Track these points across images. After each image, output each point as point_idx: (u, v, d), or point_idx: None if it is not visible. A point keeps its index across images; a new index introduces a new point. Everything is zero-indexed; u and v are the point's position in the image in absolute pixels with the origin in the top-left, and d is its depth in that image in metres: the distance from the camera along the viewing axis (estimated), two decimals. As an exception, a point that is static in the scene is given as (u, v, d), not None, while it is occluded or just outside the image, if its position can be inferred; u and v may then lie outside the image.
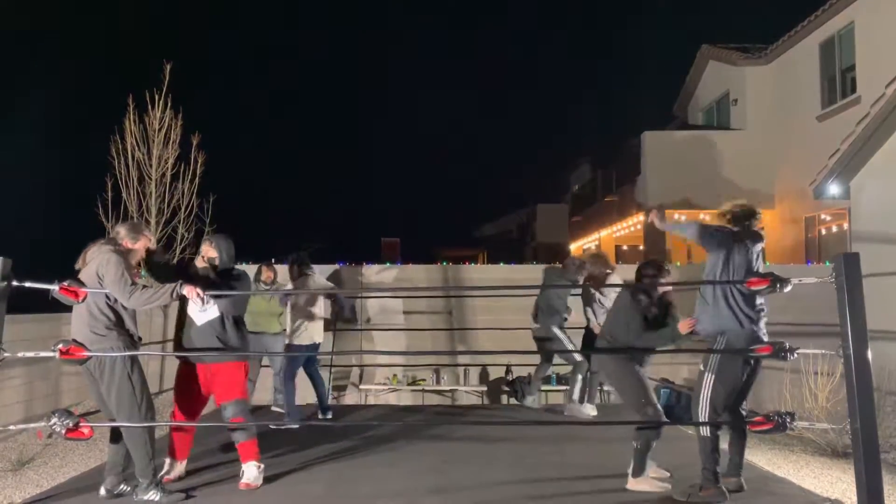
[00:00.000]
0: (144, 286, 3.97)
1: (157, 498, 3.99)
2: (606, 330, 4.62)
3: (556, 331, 6.80)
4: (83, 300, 3.92)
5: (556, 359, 7.36)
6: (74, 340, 3.90)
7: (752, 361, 4.07)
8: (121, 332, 3.97)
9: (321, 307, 6.59)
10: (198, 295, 3.98)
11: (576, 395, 6.62)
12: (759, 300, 4.07)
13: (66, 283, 3.86)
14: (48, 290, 3.89)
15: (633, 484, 4.27)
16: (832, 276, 3.63)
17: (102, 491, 4.09)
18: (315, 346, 6.50)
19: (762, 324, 4.11)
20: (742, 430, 4.27)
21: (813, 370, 6.77)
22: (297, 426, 6.03)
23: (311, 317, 6.44)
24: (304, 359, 6.46)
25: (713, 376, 4.08)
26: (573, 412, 6.57)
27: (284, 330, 7.15)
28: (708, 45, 16.17)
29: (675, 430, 5.91)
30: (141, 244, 4.23)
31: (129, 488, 4.11)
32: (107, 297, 3.94)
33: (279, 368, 7.09)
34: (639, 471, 4.26)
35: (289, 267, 6.61)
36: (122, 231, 4.23)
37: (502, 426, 6.25)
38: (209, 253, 4.51)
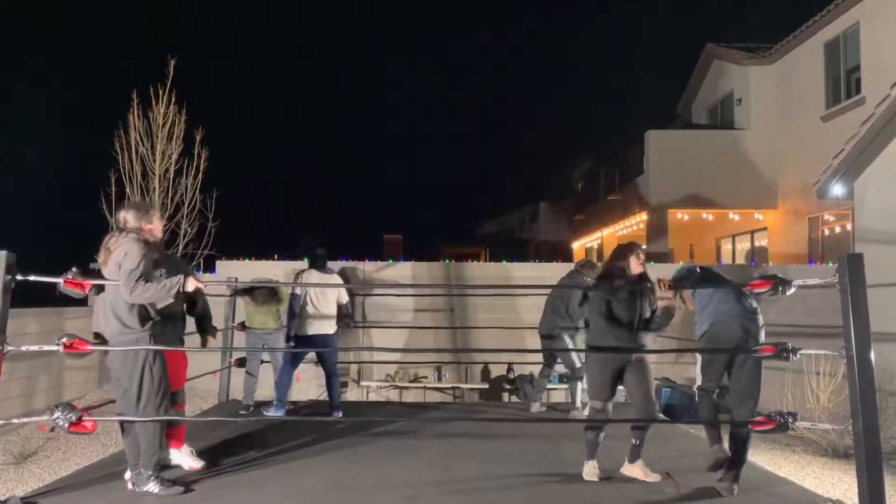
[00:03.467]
0: (148, 281, 3.89)
1: (157, 490, 3.99)
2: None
3: (565, 337, 6.58)
4: (97, 291, 3.91)
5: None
6: (96, 334, 3.92)
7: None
8: (145, 323, 3.96)
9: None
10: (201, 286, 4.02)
11: (579, 403, 6.54)
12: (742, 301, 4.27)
13: (70, 276, 3.86)
14: (51, 284, 3.89)
15: (628, 469, 4.45)
16: (835, 276, 3.63)
17: (129, 485, 4.11)
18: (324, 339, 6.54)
19: (753, 319, 4.23)
20: (740, 436, 4.21)
21: (815, 371, 6.78)
22: (280, 415, 6.23)
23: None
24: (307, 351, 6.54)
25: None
26: (577, 417, 6.46)
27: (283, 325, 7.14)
28: (713, 45, 16.14)
29: (675, 429, 5.91)
30: (156, 224, 4.15)
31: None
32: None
33: (282, 364, 7.11)
34: (634, 458, 4.44)
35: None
36: (130, 217, 4.02)
37: (503, 423, 6.25)
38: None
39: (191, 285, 3.92)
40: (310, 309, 6.51)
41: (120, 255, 3.86)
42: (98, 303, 3.96)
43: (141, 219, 4.04)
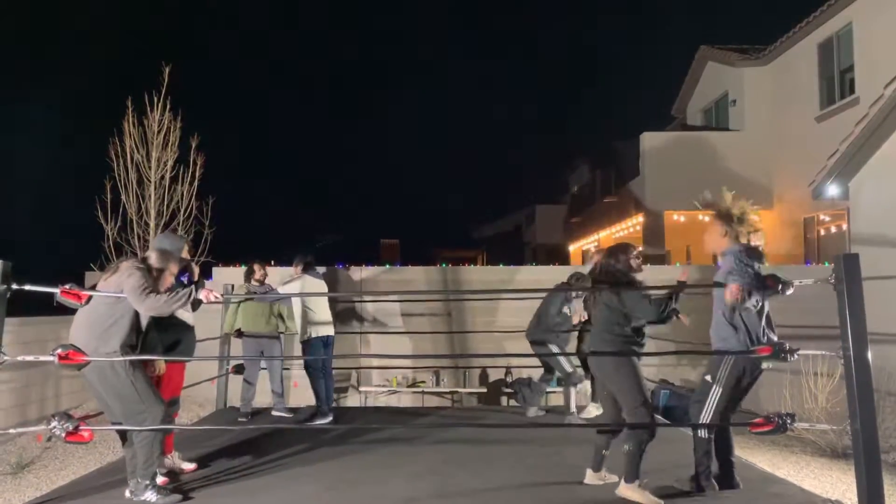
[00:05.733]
0: (160, 292, 3.96)
1: (154, 499, 3.97)
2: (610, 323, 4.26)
3: (552, 346, 6.55)
4: (86, 302, 3.92)
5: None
6: (73, 345, 3.89)
7: (754, 372, 4.07)
8: (120, 339, 3.94)
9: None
10: (216, 298, 4.10)
11: (573, 408, 6.55)
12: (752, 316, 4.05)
13: (67, 287, 3.86)
14: (46, 293, 3.89)
15: (625, 490, 4.03)
16: (832, 277, 3.64)
17: (127, 493, 4.09)
18: (324, 341, 6.74)
19: (758, 336, 4.03)
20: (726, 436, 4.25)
21: (813, 371, 6.78)
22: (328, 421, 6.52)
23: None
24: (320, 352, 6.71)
25: (720, 389, 4.07)
26: (572, 421, 6.48)
27: (280, 331, 7.13)
28: (706, 46, 16.18)
29: (674, 432, 5.90)
30: (169, 272, 4.25)
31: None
32: (109, 304, 3.92)
33: (279, 370, 7.10)
34: (632, 476, 4.02)
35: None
36: (152, 256, 4.24)
37: (502, 428, 6.24)
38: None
39: (202, 294, 4.03)
40: (313, 314, 6.68)
41: (123, 277, 3.93)
42: (77, 316, 3.99)
43: (157, 262, 4.19)
